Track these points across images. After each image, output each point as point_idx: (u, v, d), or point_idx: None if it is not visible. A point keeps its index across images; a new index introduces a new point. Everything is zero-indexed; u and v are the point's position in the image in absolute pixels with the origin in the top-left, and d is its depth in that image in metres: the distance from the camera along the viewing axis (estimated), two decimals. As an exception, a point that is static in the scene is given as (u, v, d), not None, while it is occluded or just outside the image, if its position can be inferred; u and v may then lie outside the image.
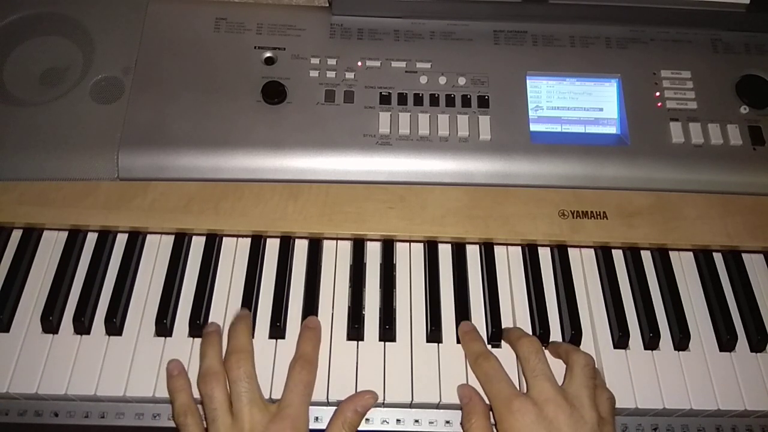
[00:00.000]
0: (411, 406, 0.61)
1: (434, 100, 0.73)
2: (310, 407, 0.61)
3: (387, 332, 0.63)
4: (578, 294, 0.67)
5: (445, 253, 0.69)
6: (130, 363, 0.61)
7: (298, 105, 0.71)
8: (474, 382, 0.61)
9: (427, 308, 0.65)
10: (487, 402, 0.59)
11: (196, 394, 0.59)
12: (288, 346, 0.62)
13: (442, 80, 0.74)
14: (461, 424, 0.59)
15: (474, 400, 0.59)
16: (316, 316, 0.64)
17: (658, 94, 0.74)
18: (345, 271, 0.68)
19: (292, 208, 0.67)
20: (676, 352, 0.64)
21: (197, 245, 0.68)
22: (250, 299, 0.65)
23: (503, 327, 0.64)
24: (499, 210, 0.68)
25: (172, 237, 0.68)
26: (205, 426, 0.57)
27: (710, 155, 0.72)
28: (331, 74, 0.73)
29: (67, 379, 0.60)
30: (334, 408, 0.61)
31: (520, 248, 0.70)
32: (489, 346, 0.63)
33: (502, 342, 0.64)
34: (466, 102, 0.73)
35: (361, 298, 0.65)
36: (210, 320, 0.64)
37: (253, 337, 0.63)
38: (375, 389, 0.60)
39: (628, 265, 0.70)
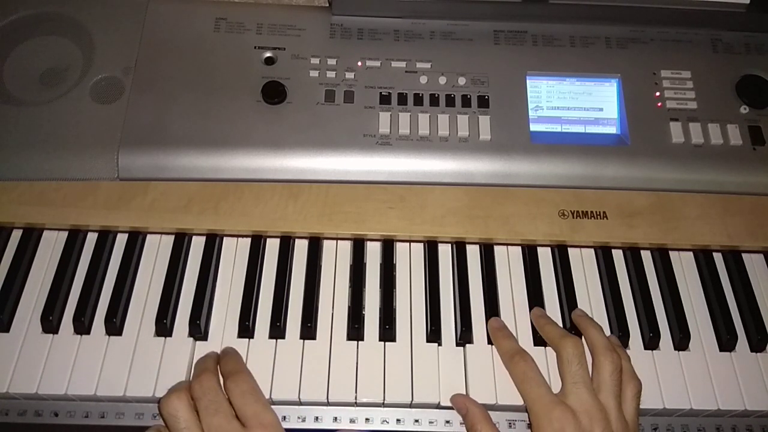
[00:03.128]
0: (411, 406, 0.61)
1: (434, 100, 0.73)
2: (310, 407, 0.62)
3: (387, 332, 0.63)
4: (578, 294, 0.67)
5: (445, 253, 0.69)
6: (130, 363, 0.61)
7: (298, 105, 0.71)
8: (473, 382, 0.61)
9: (427, 308, 0.65)
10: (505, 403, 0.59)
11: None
12: (288, 346, 0.62)
13: (442, 80, 0.74)
14: None
15: (472, 410, 0.58)
16: (317, 315, 0.64)
17: (658, 94, 0.74)
18: (345, 271, 0.68)
19: (292, 208, 0.67)
20: (676, 352, 0.64)
21: (197, 245, 0.68)
22: (250, 299, 0.65)
23: (535, 311, 0.65)
24: (499, 210, 0.68)
25: (172, 237, 0.68)
26: None
27: (710, 155, 0.72)
28: (331, 74, 0.73)
29: (67, 379, 0.60)
30: (334, 408, 0.62)
31: (520, 248, 0.70)
32: (489, 347, 0.63)
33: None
34: (466, 102, 0.73)
35: (361, 298, 0.65)
36: (210, 321, 0.64)
37: (252, 337, 0.63)
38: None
39: (628, 265, 0.70)
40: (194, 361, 0.61)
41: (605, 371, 0.58)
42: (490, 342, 0.63)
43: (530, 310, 0.66)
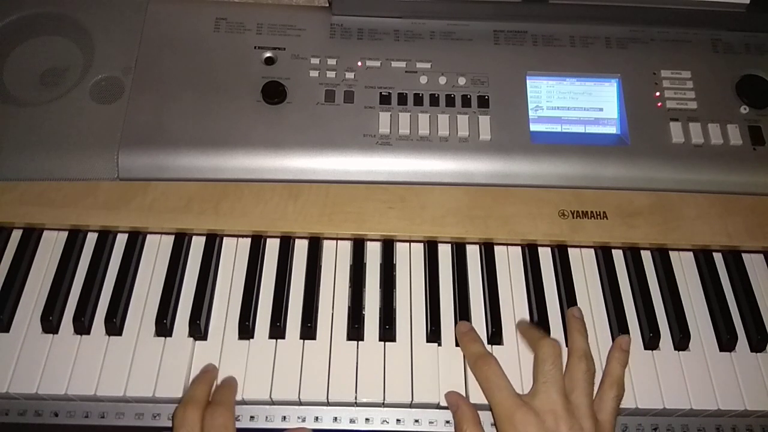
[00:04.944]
0: (411, 406, 0.61)
1: (434, 100, 0.73)
2: (310, 407, 0.62)
3: (387, 332, 0.63)
4: (578, 294, 0.67)
5: (445, 253, 0.69)
6: (130, 363, 0.61)
7: (298, 105, 0.71)
8: (473, 382, 0.61)
9: (427, 308, 0.65)
10: (481, 403, 0.59)
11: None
12: (288, 346, 0.62)
13: (442, 80, 0.74)
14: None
15: (462, 408, 0.59)
16: (317, 315, 0.64)
17: (658, 94, 0.74)
18: (345, 271, 0.68)
19: (292, 208, 0.67)
20: (676, 352, 0.64)
21: (197, 245, 0.68)
22: (250, 299, 0.65)
23: (519, 321, 0.65)
24: (499, 210, 0.68)
25: (172, 237, 0.68)
26: None
27: (710, 155, 0.72)
28: (331, 74, 0.73)
29: (67, 379, 0.60)
30: (334, 408, 0.62)
31: (520, 248, 0.70)
32: (489, 347, 0.63)
33: (503, 340, 0.64)
34: (466, 102, 0.73)
35: (361, 298, 0.65)
36: (210, 321, 0.64)
37: (252, 337, 0.63)
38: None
39: (628, 265, 0.70)
40: (194, 362, 0.61)
41: (578, 371, 0.58)
42: (490, 342, 0.64)
43: (530, 310, 0.66)
